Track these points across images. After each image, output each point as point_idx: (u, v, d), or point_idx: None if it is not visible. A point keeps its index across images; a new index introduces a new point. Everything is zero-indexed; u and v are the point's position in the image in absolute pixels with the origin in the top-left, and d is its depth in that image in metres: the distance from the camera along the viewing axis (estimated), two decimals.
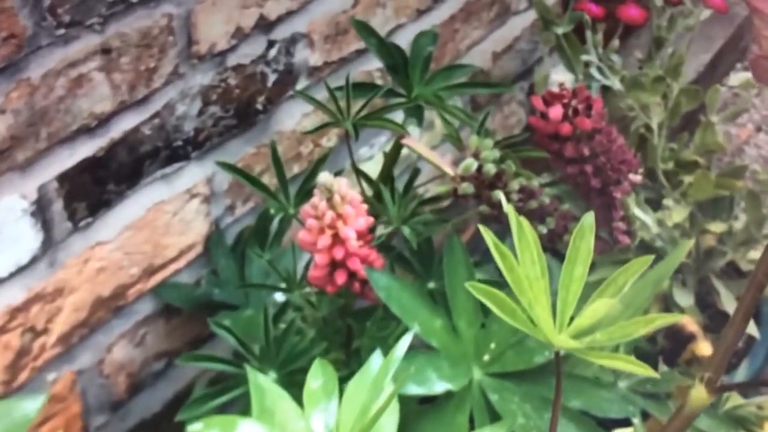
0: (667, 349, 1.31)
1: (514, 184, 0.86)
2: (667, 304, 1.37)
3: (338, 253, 0.73)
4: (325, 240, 0.74)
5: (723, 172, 1.46)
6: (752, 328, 1.36)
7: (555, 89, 0.91)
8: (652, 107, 1.42)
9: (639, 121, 1.42)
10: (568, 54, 1.45)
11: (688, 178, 1.43)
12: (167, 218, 0.98)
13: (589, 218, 0.59)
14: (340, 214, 0.75)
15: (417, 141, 0.90)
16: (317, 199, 0.74)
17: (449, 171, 0.87)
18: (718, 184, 1.42)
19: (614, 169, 0.88)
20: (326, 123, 0.87)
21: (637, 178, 0.89)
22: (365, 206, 0.77)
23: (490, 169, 0.86)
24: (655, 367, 1.24)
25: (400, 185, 1.01)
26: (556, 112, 0.87)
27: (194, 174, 1.00)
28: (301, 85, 1.13)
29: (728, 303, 1.38)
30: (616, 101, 1.40)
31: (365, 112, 0.89)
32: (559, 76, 1.39)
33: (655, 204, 1.40)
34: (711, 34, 2.14)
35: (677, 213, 1.38)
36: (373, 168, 1.15)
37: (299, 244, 0.75)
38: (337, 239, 0.74)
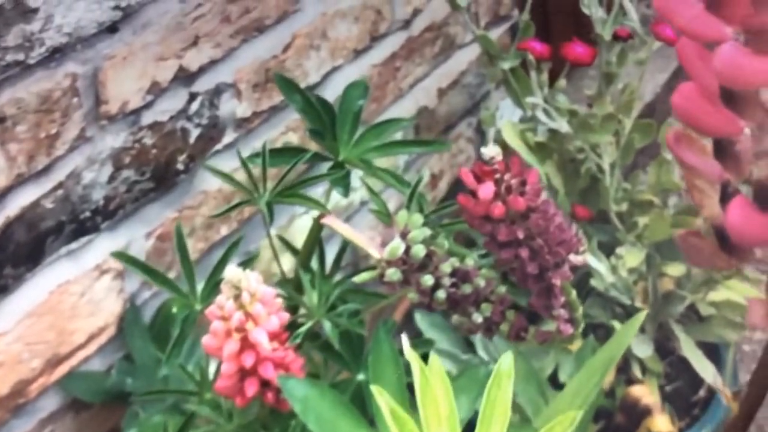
0: (622, 424, 1.24)
1: (446, 267, 0.79)
2: (625, 355, 1.30)
3: (248, 360, 0.66)
4: (232, 345, 0.66)
5: (680, 211, 1.40)
6: (714, 378, 1.29)
7: (488, 158, 0.83)
8: (604, 146, 1.35)
9: (590, 162, 1.35)
10: (516, 89, 1.38)
11: (643, 220, 1.37)
12: (74, 300, 0.89)
13: (506, 361, 0.52)
14: (249, 313, 0.67)
15: (338, 220, 0.82)
16: (223, 298, 0.66)
17: (375, 253, 0.79)
18: (674, 224, 1.35)
19: (552, 252, 0.81)
20: (237, 203, 0.79)
21: (578, 259, 0.81)
22: (280, 301, 0.69)
23: (419, 251, 0.78)
24: None
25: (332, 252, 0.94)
26: (486, 191, 0.79)
27: (105, 247, 0.92)
28: (228, 138, 1.05)
29: (689, 349, 1.32)
30: (565, 143, 1.34)
31: (284, 186, 0.81)
32: (503, 134, 1.32)
33: (609, 248, 1.34)
34: (667, 53, 2.09)
35: (632, 257, 1.32)
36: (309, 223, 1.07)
37: (204, 350, 0.67)
38: (247, 343, 0.66)
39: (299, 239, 0.92)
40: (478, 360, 1.16)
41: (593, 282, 1.27)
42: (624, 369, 1.29)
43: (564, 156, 1.36)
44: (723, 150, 0.49)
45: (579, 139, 1.33)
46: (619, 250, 1.30)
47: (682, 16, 0.48)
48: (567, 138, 1.34)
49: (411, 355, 0.51)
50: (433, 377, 0.51)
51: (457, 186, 1.37)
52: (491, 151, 0.77)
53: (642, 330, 1.33)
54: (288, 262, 0.98)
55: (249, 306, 0.68)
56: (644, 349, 1.27)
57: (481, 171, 0.82)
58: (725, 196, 0.49)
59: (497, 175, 0.78)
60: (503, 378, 0.52)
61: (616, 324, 1.26)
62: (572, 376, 1.13)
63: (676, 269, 1.35)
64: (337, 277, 0.92)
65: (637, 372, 1.26)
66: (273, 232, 1.07)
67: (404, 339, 0.61)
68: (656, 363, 1.29)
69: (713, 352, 1.34)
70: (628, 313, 1.31)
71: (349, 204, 1.21)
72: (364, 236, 0.84)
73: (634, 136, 1.41)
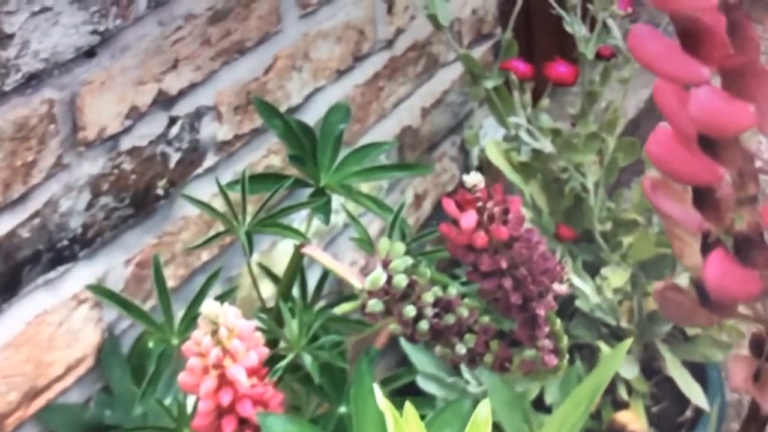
0: None
1: (429, 297, 0.78)
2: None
3: (225, 398, 0.64)
4: (209, 383, 0.64)
5: (663, 230, 1.39)
6: (700, 399, 1.29)
7: (470, 186, 0.82)
8: (587, 166, 1.35)
9: (574, 182, 1.34)
10: (499, 108, 1.38)
11: (627, 239, 1.36)
12: (51, 331, 0.88)
13: (483, 411, 0.51)
14: (227, 349, 0.65)
15: (319, 250, 0.81)
16: (200, 333, 0.65)
17: (356, 283, 0.78)
18: (659, 242, 1.35)
19: (536, 282, 0.79)
20: (214, 235, 0.78)
21: (562, 288, 0.80)
22: (259, 335, 0.68)
23: (401, 281, 0.77)
24: None
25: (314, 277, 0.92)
26: (468, 220, 0.78)
27: (82, 276, 0.90)
28: (209, 162, 1.03)
29: (675, 369, 1.31)
30: (548, 163, 1.33)
31: (264, 214, 0.80)
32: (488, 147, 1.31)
33: (594, 267, 1.33)
34: None
35: (617, 277, 1.31)
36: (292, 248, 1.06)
37: (181, 387, 0.66)
38: (225, 380, 0.65)
39: (282, 263, 0.91)
40: (464, 383, 1.15)
41: (578, 303, 1.26)
42: (610, 390, 1.28)
43: (548, 176, 1.35)
44: (702, 198, 0.46)
45: (563, 158, 1.32)
46: (603, 271, 1.29)
47: (657, 57, 0.45)
48: (551, 158, 1.33)
49: (384, 406, 0.50)
50: (408, 428, 0.50)
51: (441, 206, 1.36)
52: (473, 179, 0.76)
53: (628, 350, 1.32)
54: (270, 288, 0.97)
55: (227, 342, 0.66)
56: (630, 370, 1.26)
57: (464, 199, 0.81)
58: (706, 247, 0.46)
59: (480, 204, 0.77)
60: (480, 428, 0.51)
61: (602, 345, 1.25)
62: (558, 401, 1.12)
63: None
64: (321, 303, 0.91)
65: (623, 393, 1.25)
66: (255, 256, 1.06)
67: (377, 392, 0.60)
68: (642, 384, 1.28)
69: (700, 371, 1.33)
70: (614, 333, 1.31)
71: (332, 226, 1.20)
72: (345, 266, 0.83)
73: (617, 155, 1.40)
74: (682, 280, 1.36)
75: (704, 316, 0.47)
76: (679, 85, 0.46)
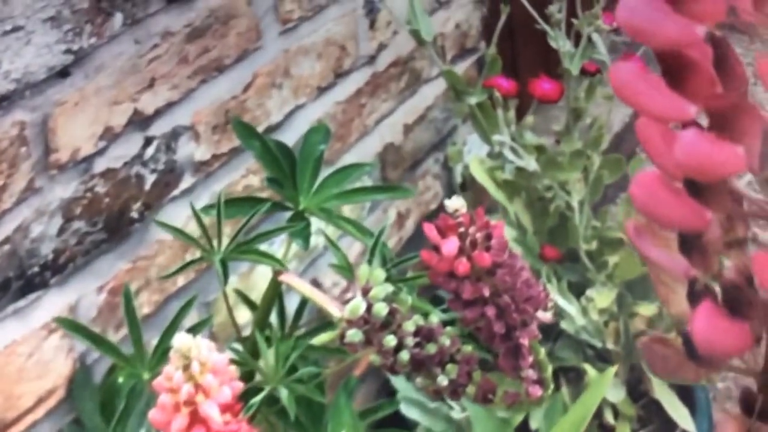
0: None
1: (409, 325, 0.75)
2: None
3: None
4: (180, 421, 0.61)
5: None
6: (687, 422, 1.27)
7: (452, 210, 0.79)
8: (572, 184, 1.33)
9: (559, 200, 1.32)
10: (483, 124, 1.36)
11: (613, 258, 1.34)
12: (21, 362, 0.85)
13: None
14: (199, 385, 0.63)
15: (297, 277, 0.79)
16: (171, 368, 0.62)
17: (335, 312, 0.76)
18: (645, 262, 1.33)
19: (519, 310, 0.77)
20: (189, 262, 0.75)
21: (546, 316, 0.78)
22: (233, 369, 0.65)
23: (381, 309, 0.75)
24: None
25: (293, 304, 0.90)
26: (450, 247, 0.75)
27: (54, 304, 0.87)
28: (186, 183, 1.01)
29: (662, 391, 1.29)
30: (533, 181, 1.31)
31: (240, 240, 0.78)
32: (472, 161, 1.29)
33: (579, 288, 1.31)
34: None
35: (603, 298, 1.29)
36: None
37: (151, 425, 0.63)
38: (197, 418, 0.62)
39: (262, 285, 0.88)
40: (447, 408, 1.12)
41: (563, 325, 1.24)
42: (596, 414, 1.25)
43: (532, 194, 1.33)
44: (689, 243, 0.43)
45: (547, 176, 1.30)
46: (589, 292, 1.27)
47: (640, 95, 0.42)
48: (535, 176, 1.31)
49: None
50: None
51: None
52: (455, 203, 0.74)
53: (614, 372, 1.30)
54: (249, 314, 0.94)
55: (199, 377, 0.63)
56: (616, 393, 1.24)
57: (445, 224, 0.78)
58: (693, 294, 0.43)
59: (462, 229, 0.74)
60: None
61: (588, 368, 1.23)
62: (543, 428, 1.10)
63: (647, 309, 1.32)
64: (302, 329, 0.89)
65: (609, 417, 1.23)
66: (233, 279, 1.03)
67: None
68: (629, 407, 1.26)
69: (687, 394, 1.31)
70: (600, 355, 1.28)
71: (313, 248, 1.17)
72: (324, 294, 0.81)
73: (603, 172, 1.38)
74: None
75: (692, 370, 0.44)
76: (663, 123, 0.43)
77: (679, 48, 0.43)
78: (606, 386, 0.83)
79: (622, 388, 1.26)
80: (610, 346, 1.28)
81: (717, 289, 0.44)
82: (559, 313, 1.24)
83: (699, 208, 0.42)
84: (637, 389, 1.30)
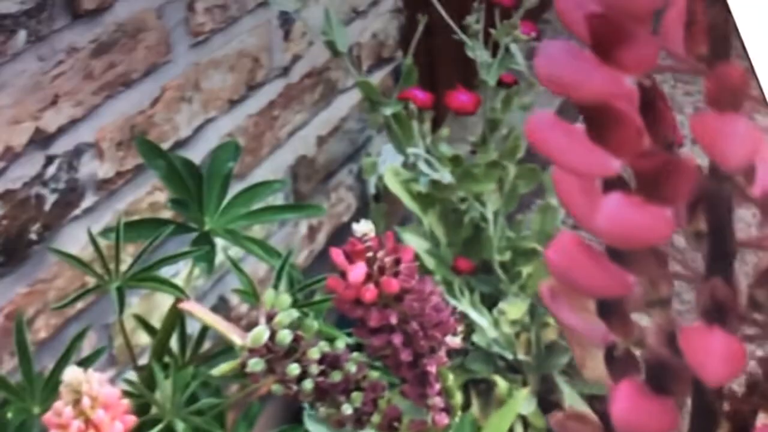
0: None
1: (314, 353, 0.74)
2: None
3: None
4: None
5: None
6: None
7: (360, 235, 0.79)
8: (487, 195, 1.34)
9: (473, 211, 1.33)
10: (398, 135, 1.36)
11: (526, 269, 1.35)
12: None
13: None
14: (90, 420, 0.62)
15: (198, 305, 0.78)
16: (61, 404, 0.61)
17: (237, 340, 0.75)
18: None
19: (428, 337, 0.77)
20: (84, 291, 0.74)
21: (455, 341, 0.78)
22: (126, 403, 0.65)
23: (285, 337, 0.74)
24: None
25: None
26: (357, 274, 0.75)
27: None
28: (88, 202, 0.99)
29: (573, 402, 1.31)
30: (447, 193, 1.31)
31: (140, 266, 0.77)
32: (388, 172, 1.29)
33: (492, 299, 1.32)
34: None
35: (515, 309, 1.30)
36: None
37: None
38: None
39: (166, 305, 0.87)
40: None
41: (475, 338, 1.25)
42: None
43: (447, 205, 1.34)
44: (608, 309, 0.39)
45: (462, 188, 1.31)
46: (502, 304, 1.28)
47: (559, 148, 0.39)
48: (450, 188, 1.32)
49: None
50: None
51: (337, 237, 1.33)
52: (363, 227, 0.73)
53: (524, 383, 1.31)
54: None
55: (90, 412, 0.63)
56: (527, 405, 1.25)
57: (353, 250, 0.77)
58: (611, 361, 0.39)
59: (370, 254, 0.73)
60: None
61: (499, 379, 1.24)
62: None
63: None
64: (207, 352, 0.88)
65: (519, 430, 1.24)
66: (136, 299, 1.02)
67: None
68: (539, 418, 1.27)
69: (600, 402, 1.33)
70: (510, 366, 1.30)
71: (222, 263, 1.16)
72: (226, 322, 0.80)
73: (518, 182, 1.39)
74: None
75: None
76: (585, 178, 0.41)
77: (605, 101, 0.39)
78: (519, 407, 0.83)
79: (533, 399, 1.27)
80: (521, 357, 1.29)
81: (637, 354, 0.41)
82: (471, 326, 1.25)
83: (621, 274, 0.39)
84: (547, 400, 1.31)
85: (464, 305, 1.24)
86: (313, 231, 1.33)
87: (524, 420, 1.26)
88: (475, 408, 1.22)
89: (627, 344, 0.40)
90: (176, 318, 0.80)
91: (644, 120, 0.40)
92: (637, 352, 0.42)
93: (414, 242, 1.28)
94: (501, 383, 1.23)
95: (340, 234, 1.34)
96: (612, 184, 0.39)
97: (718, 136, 0.39)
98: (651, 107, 0.38)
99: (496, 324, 1.27)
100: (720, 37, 0.40)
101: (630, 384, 0.38)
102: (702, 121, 0.40)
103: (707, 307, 0.39)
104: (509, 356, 1.26)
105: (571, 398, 1.30)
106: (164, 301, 1.07)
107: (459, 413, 0.85)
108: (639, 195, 0.37)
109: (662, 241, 0.38)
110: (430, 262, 1.29)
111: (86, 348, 0.88)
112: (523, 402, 1.21)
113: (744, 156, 0.40)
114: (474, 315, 1.25)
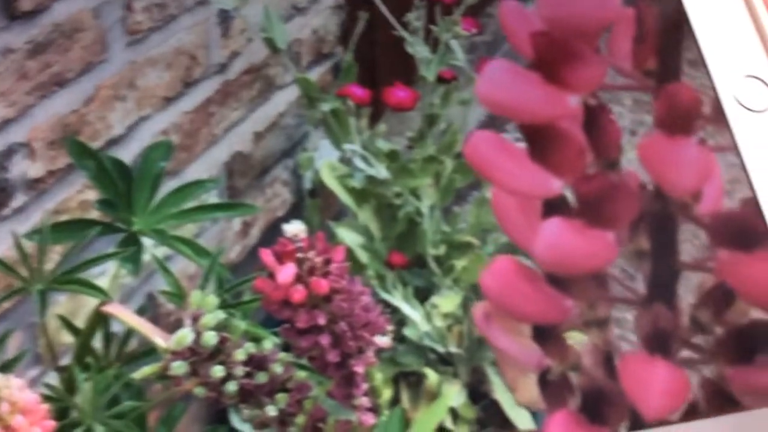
0: None
1: (240, 354, 0.75)
2: None
3: None
4: None
5: (499, 248, 1.42)
6: (526, 422, 1.32)
7: (291, 236, 0.80)
8: (423, 189, 1.36)
9: (408, 206, 1.36)
10: (336, 131, 1.38)
11: (460, 262, 1.38)
12: None
13: None
14: (9, 426, 0.64)
15: (122, 307, 0.80)
16: None
17: (161, 342, 0.77)
18: None
19: (356, 337, 0.78)
20: (7, 294, 0.76)
21: (384, 341, 0.79)
22: (45, 408, 0.67)
23: (210, 339, 0.74)
24: None
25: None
26: (286, 275, 0.75)
27: None
28: (17, 202, 1.01)
29: (501, 393, 1.34)
30: (383, 188, 1.34)
31: (65, 268, 0.79)
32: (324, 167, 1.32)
33: (425, 293, 1.35)
34: None
35: (448, 302, 1.33)
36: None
37: None
38: None
39: (93, 303, 0.89)
40: None
41: (407, 332, 1.28)
42: None
43: (382, 200, 1.36)
44: (544, 333, 0.39)
45: (398, 184, 1.33)
46: (434, 298, 1.31)
47: (498, 169, 0.38)
48: (385, 183, 1.34)
49: None
50: None
51: (271, 232, 1.36)
52: (294, 228, 0.74)
53: (455, 374, 1.34)
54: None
55: (9, 417, 0.65)
56: (457, 397, 1.28)
57: (283, 250, 0.78)
58: (545, 384, 0.39)
59: (300, 254, 0.74)
60: None
61: (429, 372, 1.27)
62: None
63: None
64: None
65: (448, 422, 1.28)
66: (62, 298, 1.04)
67: None
68: (469, 410, 1.30)
69: None
70: (442, 358, 1.33)
71: (149, 262, 1.18)
72: (150, 324, 0.82)
73: (455, 176, 1.42)
74: None
75: None
76: (525, 200, 0.39)
77: (547, 121, 0.38)
78: (451, 401, 0.86)
79: (463, 391, 1.30)
80: (453, 349, 1.33)
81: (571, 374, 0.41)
82: (403, 320, 1.27)
83: (559, 299, 0.38)
84: (477, 390, 1.34)
85: (397, 299, 1.27)
86: (247, 226, 1.35)
87: (453, 411, 1.29)
88: (405, 401, 1.25)
89: (562, 368, 0.40)
90: (99, 320, 0.82)
91: (588, 139, 0.38)
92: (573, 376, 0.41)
93: (348, 237, 1.31)
94: (431, 375, 1.26)
95: (275, 229, 1.36)
96: (553, 206, 0.39)
97: (667, 164, 0.37)
98: (595, 125, 0.38)
99: (428, 318, 1.30)
100: (670, 52, 0.37)
101: (564, 414, 0.38)
102: (650, 146, 0.38)
103: (649, 335, 0.38)
104: (440, 349, 1.29)
105: (500, 388, 1.33)
106: (91, 299, 1.09)
107: (386, 412, 0.87)
108: (580, 218, 0.37)
109: (603, 268, 0.38)
110: (364, 257, 1.31)
111: (12, 348, 0.90)
112: (455, 396, 1.24)
113: (694, 184, 0.37)
114: (407, 309, 1.28)
